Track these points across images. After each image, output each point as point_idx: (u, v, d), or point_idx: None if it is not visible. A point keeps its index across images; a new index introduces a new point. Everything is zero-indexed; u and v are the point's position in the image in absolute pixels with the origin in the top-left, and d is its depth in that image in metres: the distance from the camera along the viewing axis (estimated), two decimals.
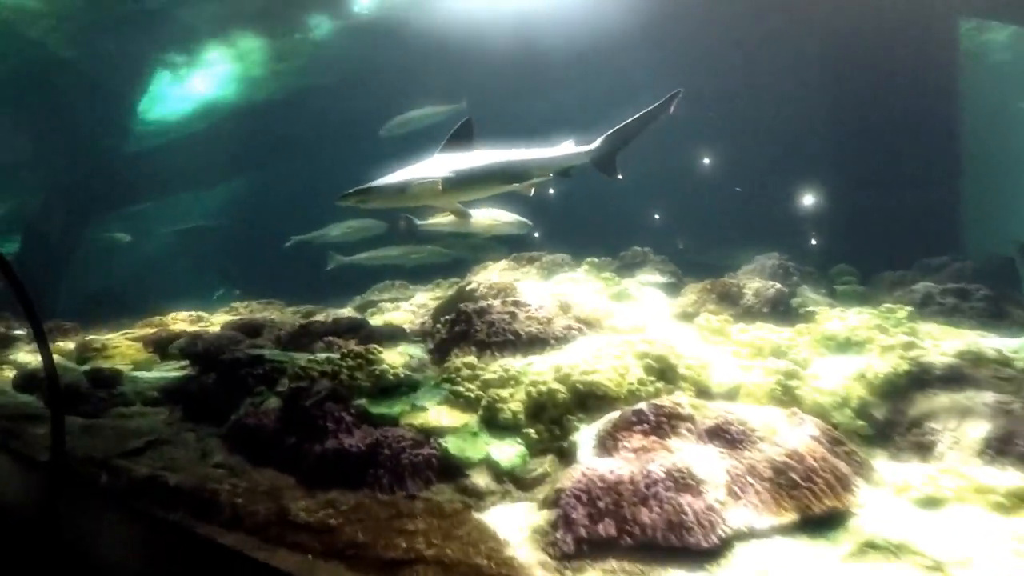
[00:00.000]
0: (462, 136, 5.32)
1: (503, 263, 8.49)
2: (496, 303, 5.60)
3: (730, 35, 12.88)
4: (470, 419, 4.55)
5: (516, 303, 5.68)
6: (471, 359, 4.95)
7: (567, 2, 13.83)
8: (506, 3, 13.58)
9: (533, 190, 5.80)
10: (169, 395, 5.50)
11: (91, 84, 13.38)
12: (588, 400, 4.62)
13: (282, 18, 13.29)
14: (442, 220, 8.21)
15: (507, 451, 4.38)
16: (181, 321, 7.00)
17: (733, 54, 13.34)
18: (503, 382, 4.71)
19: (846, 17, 9.88)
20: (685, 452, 3.84)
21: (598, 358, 5.00)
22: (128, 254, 22.63)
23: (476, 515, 3.99)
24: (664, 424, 4.06)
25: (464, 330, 5.43)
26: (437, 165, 5.23)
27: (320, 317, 8.10)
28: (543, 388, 4.60)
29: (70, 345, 6.59)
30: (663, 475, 3.62)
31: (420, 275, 9.91)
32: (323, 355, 5.11)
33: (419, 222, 8.29)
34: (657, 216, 15.13)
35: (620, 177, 5.91)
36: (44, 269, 10.07)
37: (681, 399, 4.30)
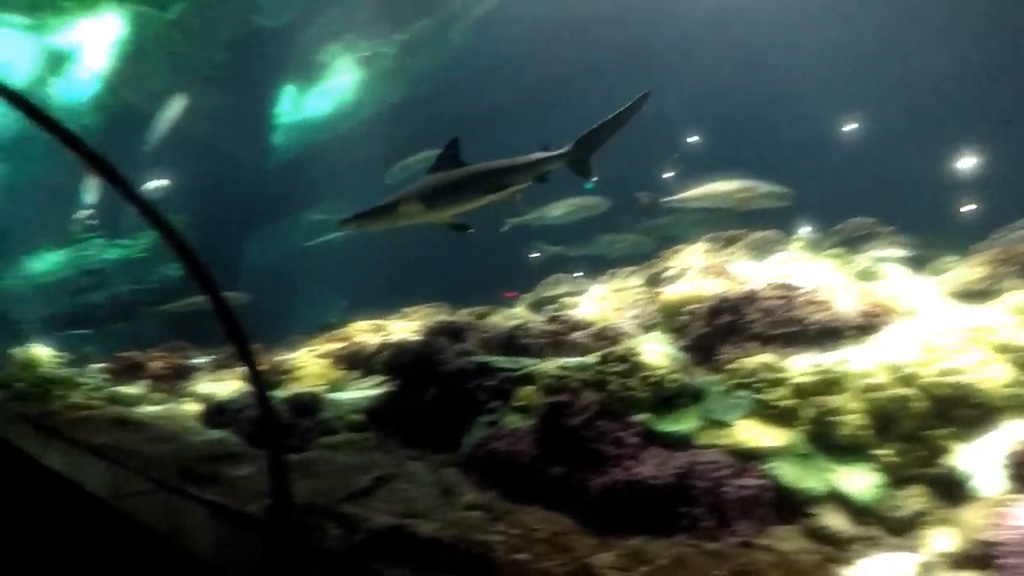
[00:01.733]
0: (449, 155, 5.66)
1: (700, 245, 7.28)
2: (764, 287, 4.44)
3: None
4: (792, 437, 3.42)
5: (785, 286, 4.49)
6: (767, 358, 3.81)
7: None
8: None
9: (520, 195, 6.24)
10: (376, 417, 4.74)
11: (226, 104, 13.50)
12: (953, 409, 3.36)
13: (405, 18, 12.90)
14: (689, 195, 7.17)
15: (858, 480, 3.23)
16: (362, 331, 6.35)
17: None
18: (823, 387, 3.54)
19: None
20: None
21: (932, 351, 3.71)
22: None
23: (845, 573, 2.87)
24: None
25: (731, 321, 4.31)
26: (423, 184, 5.64)
27: (496, 318, 7.23)
28: (889, 394, 3.38)
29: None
30: None
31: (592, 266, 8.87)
32: (572, 360, 4.15)
33: (663, 199, 7.31)
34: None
35: (595, 179, 5.91)
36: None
37: None
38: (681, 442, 3.48)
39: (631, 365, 3.80)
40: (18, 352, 7.73)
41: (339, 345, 5.97)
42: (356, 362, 5.57)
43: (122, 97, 13.30)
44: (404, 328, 6.49)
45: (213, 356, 6.72)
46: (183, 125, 12.74)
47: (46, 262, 15.10)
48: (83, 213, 13.41)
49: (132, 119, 13.06)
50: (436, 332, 5.15)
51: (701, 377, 4.05)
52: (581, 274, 8.75)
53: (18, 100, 2.03)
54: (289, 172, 16.60)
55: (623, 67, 14.17)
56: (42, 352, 7.71)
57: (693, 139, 14.22)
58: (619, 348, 3.99)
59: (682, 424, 3.55)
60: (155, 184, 12.27)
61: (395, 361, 4.84)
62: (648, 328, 5.39)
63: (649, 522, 3.17)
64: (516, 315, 7.69)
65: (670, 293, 5.24)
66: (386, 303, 8.73)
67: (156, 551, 3.15)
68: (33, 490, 4.17)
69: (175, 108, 12.08)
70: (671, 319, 5.06)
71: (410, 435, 4.43)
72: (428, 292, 9.36)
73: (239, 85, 13.71)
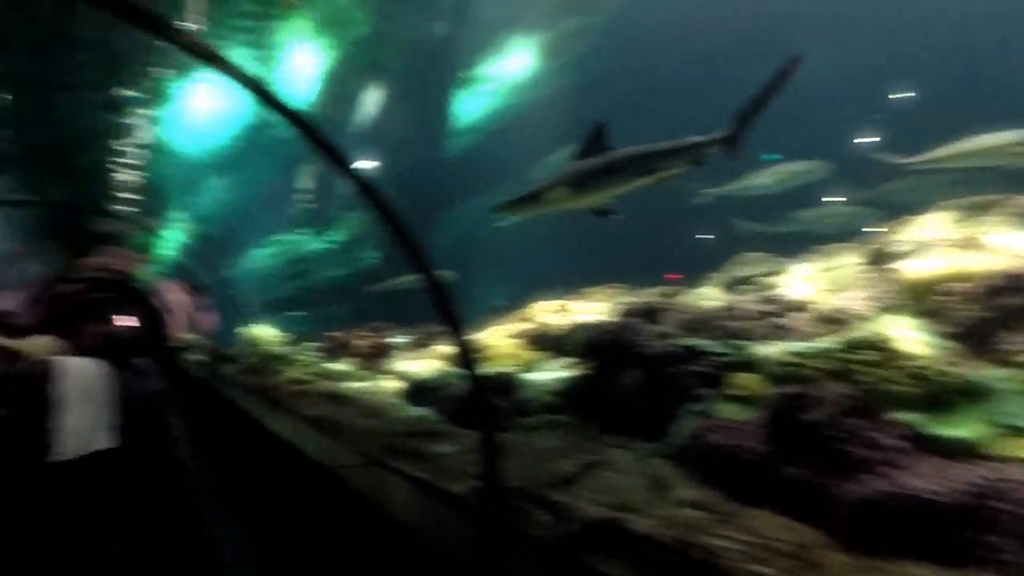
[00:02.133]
0: (595, 141, 5.63)
1: (940, 214, 6.12)
2: None
3: None
4: None
5: None
6: None
7: None
8: None
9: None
10: (571, 399, 4.52)
11: (406, 97, 14.27)
12: None
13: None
14: (943, 153, 6.25)
15: None
16: (546, 312, 6.24)
17: None
18: None
19: None
20: None
21: None
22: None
23: None
24: None
25: (1022, 304, 3.42)
26: (570, 171, 5.62)
27: (688, 299, 6.70)
28: None
29: (448, 348, 6.15)
30: None
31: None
32: (800, 345, 3.58)
33: (902, 160, 6.50)
34: None
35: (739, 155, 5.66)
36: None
37: None
38: (961, 450, 2.79)
39: (885, 354, 3.14)
40: (245, 332, 8.79)
41: (526, 326, 5.88)
42: (544, 343, 5.42)
43: (322, 110, 14.69)
44: (588, 309, 6.24)
45: (410, 336, 7.03)
46: (367, 120, 13.70)
47: (267, 252, 17.29)
48: (302, 197, 15.05)
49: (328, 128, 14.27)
50: (631, 313, 4.81)
51: (981, 370, 3.26)
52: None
53: (263, 91, 2.15)
54: (468, 160, 17.24)
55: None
56: (265, 332, 8.69)
57: (900, 95, 12.44)
58: (864, 333, 3.33)
59: (963, 428, 2.84)
60: (364, 165, 13.36)
61: (592, 343, 4.58)
62: (887, 311, 4.57)
63: (922, 545, 2.55)
64: (708, 295, 7.09)
65: (916, 270, 4.35)
66: (551, 285, 8.62)
67: (366, 515, 3.22)
68: (262, 451, 4.55)
69: (367, 107, 13.01)
70: (920, 301, 4.21)
71: (608, 420, 4.14)
72: (587, 274, 9.05)
73: (417, 76, 14.38)
